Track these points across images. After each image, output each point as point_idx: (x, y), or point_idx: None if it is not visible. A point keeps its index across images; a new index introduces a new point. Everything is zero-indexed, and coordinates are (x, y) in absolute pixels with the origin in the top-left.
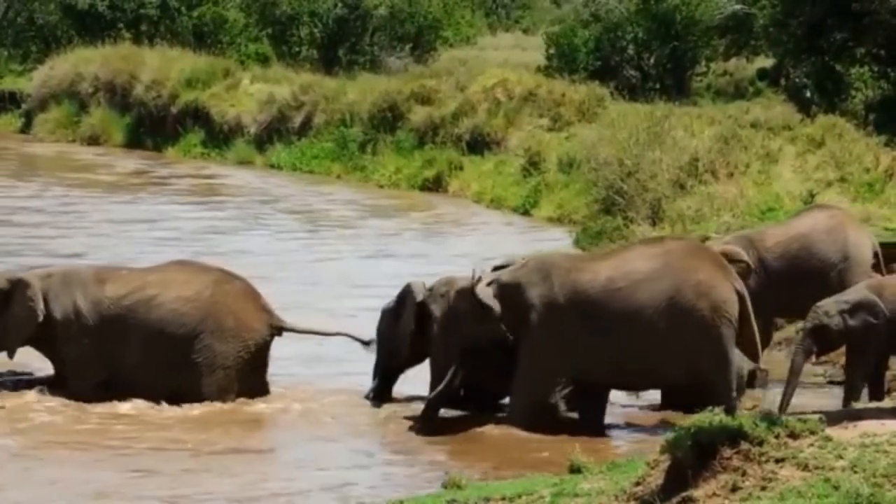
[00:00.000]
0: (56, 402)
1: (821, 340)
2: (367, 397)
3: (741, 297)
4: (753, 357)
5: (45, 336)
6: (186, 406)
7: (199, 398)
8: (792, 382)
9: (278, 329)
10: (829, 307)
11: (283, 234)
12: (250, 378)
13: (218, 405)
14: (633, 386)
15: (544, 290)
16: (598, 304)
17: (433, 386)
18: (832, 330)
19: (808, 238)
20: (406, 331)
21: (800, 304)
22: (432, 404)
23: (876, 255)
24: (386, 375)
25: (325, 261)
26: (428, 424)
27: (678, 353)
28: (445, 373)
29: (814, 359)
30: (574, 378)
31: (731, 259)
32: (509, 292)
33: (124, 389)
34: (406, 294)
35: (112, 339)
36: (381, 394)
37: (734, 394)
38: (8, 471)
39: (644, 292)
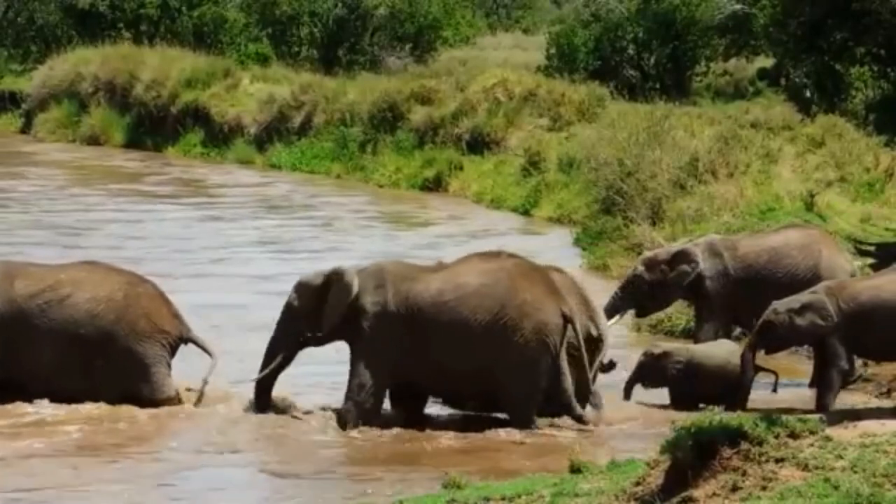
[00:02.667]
0: None
1: (767, 337)
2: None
3: (568, 321)
4: (585, 379)
5: None
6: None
7: (136, 401)
8: (743, 378)
9: (186, 337)
10: (780, 306)
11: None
12: None
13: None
14: (460, 397)
15: (378, 297)
16: (425, 315)
17: (262, 367)
18: (777, 327)
19: (779, 252)
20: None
21: (759, 315)
22: (259, 390)
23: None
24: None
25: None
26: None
27: (499, 369)
28: (272, 355)
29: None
30: (400, 384)
31: (686, 260)
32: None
33: (39, 390)
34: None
35: (21, 338)
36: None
37: (532, 419)
38: None
39: (470, 307)
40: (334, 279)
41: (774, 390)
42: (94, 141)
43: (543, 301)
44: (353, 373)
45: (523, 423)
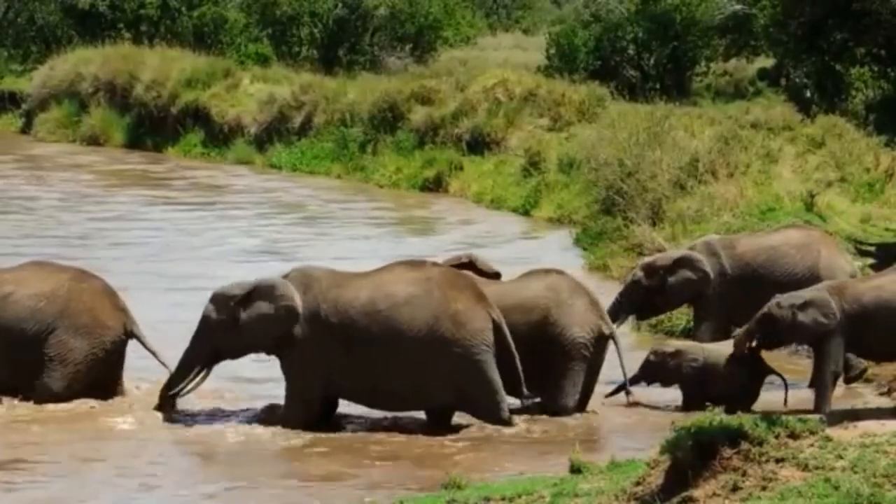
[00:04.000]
0: None
1: (767, 330)
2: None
3: (497, 326)
4: (517, 383)
5: None
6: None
7: (46, 392)
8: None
9: (131, 332)
10: (784, 300)
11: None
12: (104, 377)
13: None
14: (391, 406)
15: (307, 302)
16: (357, 324)
17: (173, 375)
18: (778, 322)
19: (777, 251)
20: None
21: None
22: (171, 392)
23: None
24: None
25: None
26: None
27: (442, 379)
28: (188, 366)
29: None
30: (330, 393)
31: (690, 266)
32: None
33: None
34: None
35: None
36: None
37: (506, 413)
38: None
39: (404, 316)
40: (264, 292)
41: (785, 401)
42: (94, 141)
43: (475, 309)
44: (289, 381)
45: (501, 423)
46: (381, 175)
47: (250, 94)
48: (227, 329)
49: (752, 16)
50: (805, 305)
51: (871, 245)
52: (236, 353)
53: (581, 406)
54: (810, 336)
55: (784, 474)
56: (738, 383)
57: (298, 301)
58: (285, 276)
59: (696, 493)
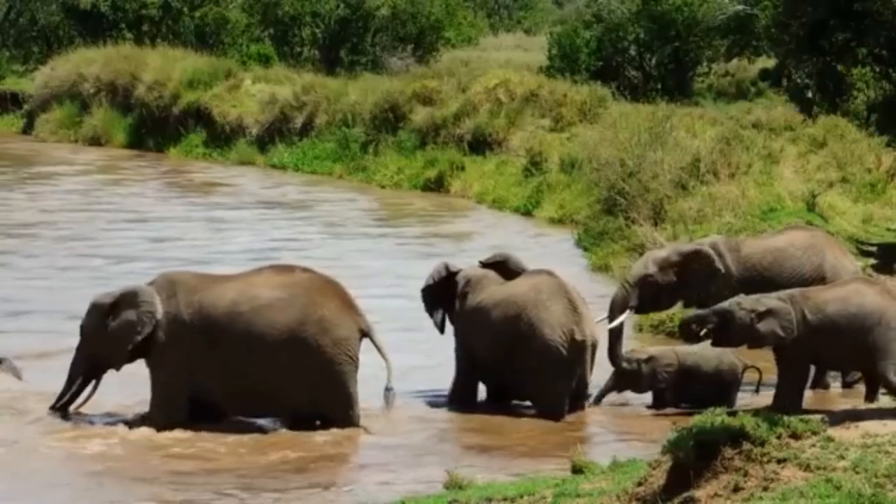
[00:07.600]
0: None
1: (721, 326)
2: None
3: (365, 335)
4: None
5: None
6: None
7: None
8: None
9: None
10: (748, 302)
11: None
12: None
13: None
14: (254, 411)
15: (169, 307)
16: (218, 326)
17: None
18: (735, 322)
19: (783, 253)
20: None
21: None
22: (58, 403)
23: None
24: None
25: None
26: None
27: (298, 384)
28: (71, 378)
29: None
30: (195, 396)
31: (704, 262)
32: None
33: None
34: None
35: None
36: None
37: (356, 421)
38: None
39: (265, 319)
40: (129, 300)
41: (757, 391)
42: (95, 142)
43: (341, 316)
44: (154, 387)
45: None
46: (382, 175)
47: (252, 94)
48: (98, 338)
49: (754, 16)
50: (766, 314)
51: (872, 245)
52: (110, 363)
53: (573, 408)
54: (765, 344)
55: (786, 475)
56: (716, 385)
57: (159, 306)
58: (151, 283)
59: (698, 493)
